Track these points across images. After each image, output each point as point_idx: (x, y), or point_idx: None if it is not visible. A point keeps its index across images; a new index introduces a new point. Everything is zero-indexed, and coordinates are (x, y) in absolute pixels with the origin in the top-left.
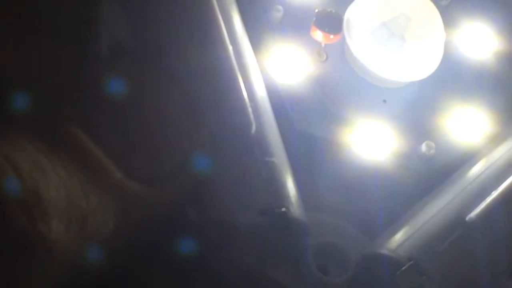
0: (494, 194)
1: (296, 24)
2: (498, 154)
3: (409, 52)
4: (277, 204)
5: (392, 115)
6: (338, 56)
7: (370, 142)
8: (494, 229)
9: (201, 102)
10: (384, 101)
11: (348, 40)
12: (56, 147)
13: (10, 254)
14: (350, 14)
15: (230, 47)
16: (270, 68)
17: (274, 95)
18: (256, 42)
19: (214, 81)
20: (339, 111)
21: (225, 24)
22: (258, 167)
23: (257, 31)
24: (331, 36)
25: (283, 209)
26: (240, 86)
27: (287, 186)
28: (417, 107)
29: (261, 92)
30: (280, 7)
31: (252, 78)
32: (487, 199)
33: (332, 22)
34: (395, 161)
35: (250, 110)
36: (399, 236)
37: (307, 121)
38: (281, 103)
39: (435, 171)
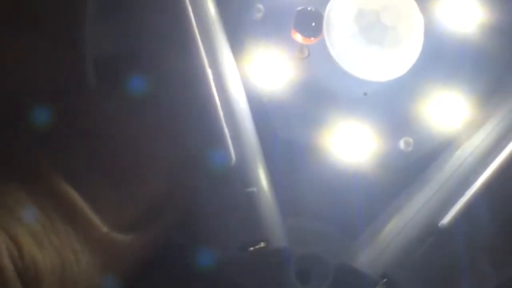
0: (467, 195)
1: (278, 22)
2: (469, 149)
3: (389, 56)
4: (258, 238)
5: (373, 108)
6: (321, 51)
7: (350, 142)
8: (468, 231)
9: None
10: (365, 94)
11: (328, 44)
12: (48, 211)
13: None
14: (329, 15)
15: (209, 71)
16: (249, 70)
17: (253, 100)
18: (235, 42)
19: (190, 110)
20: (319, 108)
21: (203, 35)
22: (238, 200)
23: (236, 31)
24: (312, 39)
25: (262, 244)
26: (218, 115)
27: (267, 215)
28: (399, 99)
29: (241, 110)
30: (261, 7)
31: (231, 95)
32: (459, 201)
33: (312, 23)
34: (375, 160)
35: (229, 142)
36: (373, 248)
37: (289, 126)
38: (261, 109)
39: (414, 169)
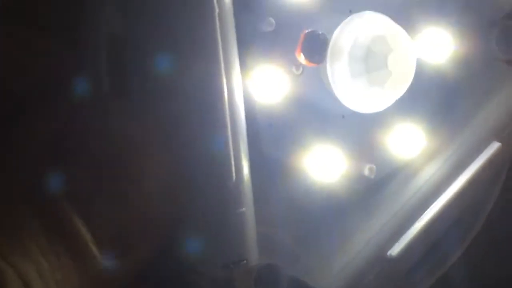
0: (417, 226)
1: (285, 38)
2: (422, 181)
3: (383, 96)
4: (241, 257)
5: (347, 132)
6: (314, 70)
7: (322, 163)
8: (415, 260)
9: (184, 147)
10: (343, 116)
11: (328, 72)
12: (57, 248)
13: None
14: (336, 46)
15: (224, 85)
16: (247, 80)
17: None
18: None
19: (202, 123)
20: (300, 125)
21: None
22: (230, 220)
23: (243, 41)
24: (314, 64)
25: (244, 262)
26: (228, 132)
27: (250, 235)
28: (370, 127)
29: (242, 131)
30: (272, 20)
31: (237, 115)
32: (408, 232)
33: (318, 49)
34: (341, 182)
35: (233, 160)
36: (326, 274)
37: (275, 145)
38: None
39: (376, 196)
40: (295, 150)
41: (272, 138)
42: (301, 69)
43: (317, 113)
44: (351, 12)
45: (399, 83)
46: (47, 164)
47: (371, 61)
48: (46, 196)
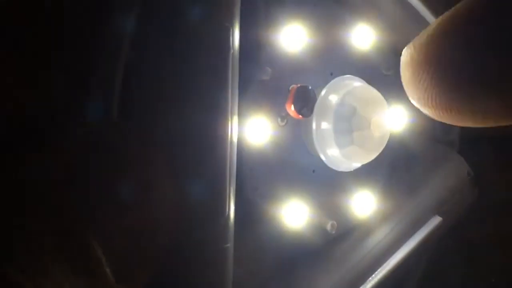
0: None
1: (279, 87)
2: (369, 246)
3: (360, 156)
4: None
5: (316, 186)
6: (297, 121)
7: (291, 213)
8: None
9: (187, 179)
10: (313, 171)
11: (313, 126)
12: (75, 268)
13: None
14: (325, 102)
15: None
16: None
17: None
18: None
19: (207, 156)
20: (275, 177)
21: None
22: (216, 255)
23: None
24: (301, 116)
25: None
26: (227, 169)
27: (229, 271)
28: (338, 183)
29: (234, 171)
30: (269, 70)
31: (232, 155)
32: None
33: (308, 104)
34: (307, 235)
35: (228, 197)
36: None
37: (253, 188)
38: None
39: (337, 252)
40: (269, 196)
41: (251, 181)
42: (285, 121)
43: (291, 164)
44: (332, 75)
45: (377, 145)
46: (69, 194)
47: (356, 121)
48: (69, 225)
